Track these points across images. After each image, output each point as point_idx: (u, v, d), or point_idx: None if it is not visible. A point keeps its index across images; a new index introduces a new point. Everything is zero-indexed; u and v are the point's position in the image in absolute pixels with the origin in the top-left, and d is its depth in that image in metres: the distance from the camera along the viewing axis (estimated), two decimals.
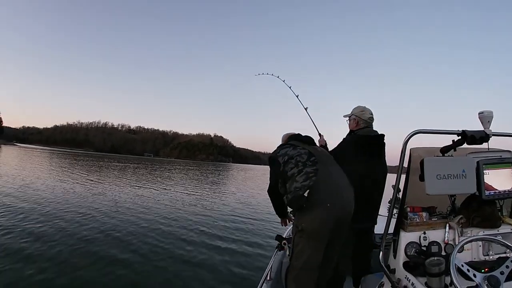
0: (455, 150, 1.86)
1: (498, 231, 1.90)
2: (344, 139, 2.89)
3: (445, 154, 1.86)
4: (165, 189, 16.91)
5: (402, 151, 1.80)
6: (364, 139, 2.75)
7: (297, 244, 2.28)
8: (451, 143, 1.84)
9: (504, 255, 1.81)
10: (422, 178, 1.76)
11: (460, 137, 1.80)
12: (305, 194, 2.16)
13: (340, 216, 2.19)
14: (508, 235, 1.91)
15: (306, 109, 3.76)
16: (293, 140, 2.59)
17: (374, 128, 2.88)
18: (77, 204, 9.81)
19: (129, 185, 17.09)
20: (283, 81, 4.25)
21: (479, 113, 1.82)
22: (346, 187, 2.33)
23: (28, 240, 5.80)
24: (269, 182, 2.48)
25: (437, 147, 1.90)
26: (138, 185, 17.34)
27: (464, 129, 1.79)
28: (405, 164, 1.86)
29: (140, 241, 6.50)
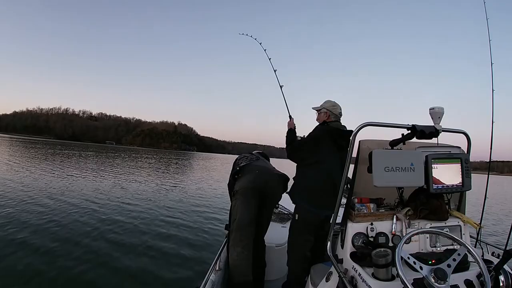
0: (404, 144, 1.89)
1: (445, 223, 1.94)
2: (317, 127, 2.96)
3: (394, 148, 1.88)
4: (121, 179, 16.31)
5: (351, 142, 1.81)
6: (336, 132, 2.85)
7: (234, 206, 2.81)
8: (400, 137, 1.86)
9: (451, 247, 1.84)
10: (370, 170, 1.77)
11: (409, 131, 1.82)
12: (241, 165, 3.16)
13: (264, 184, 2.93)
14: (455, 228, 1.96)
15: (281, 87, 3.71)
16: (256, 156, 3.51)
17: None
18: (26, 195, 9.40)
19: (82, 176, 16.22)
20: (265, 50, 4.09)
21: (430, 109, 1.86)
22: (275, 171, 3.21)
23: None
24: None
25: (386, 140, 1.92)
26: (93, 176, 16.61)
27: (414, 124, 1.81)
28: (354, 155, 1.88)
29: (87, 231, 6.36)
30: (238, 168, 3.08)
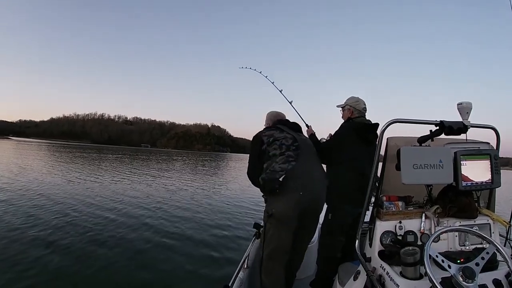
0: (432, 140, 1.86)
1: (474, 222, 1.91)
2: (342, 125, 2.99)
3: (423, 144, 1.87)
4: (157, 180, 16.81)
5: (379, 140, 1.81)
6: (362, 126, 2.86)
7: (268, 230, 2.36)
8: (428, 133, 1.85)
9: (480, 246, 1.82)
10: (398, 167, 1.77)
11: (437, 128, 1.80)
12: (280, 179, 2.25)
13: (307, 207, 2.33)
14: (484, 226, 1.93)
15: (291, 103, 3.74)
16: (280, 124, 2.66)
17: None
18: (69, 197, 9.71)
19: (123, 177, 17.02)
20: (266, 76, 4.24)
21: (457, 104, 1.83)
22: (320, 179, 2.47)
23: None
24: (248, 164, 2.53)
25: (414, 137, 1.91)
26: (132, 177, 17.29)
27: (442, 120, 1.80)
28: (382, 153, 1.88)
29: (110, 230, 6.56)
30: (277, 186, 2.25)
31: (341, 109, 3.12)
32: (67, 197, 9.53)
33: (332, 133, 3.00)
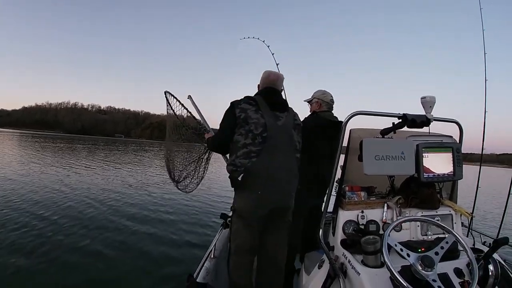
0: (395, 133, 1.90)
1: (436, 212, 1.96)
2: (306, 118, 2.92)
3: (385, 136, 1.90)
4: (121, 173, 15.79)
5: (342, 131, 1.83)
6: (326, 123, 2.83)
7: (233, 224, 2.26)
8: (391, 126, 1.88)
9: (442, 235, 1.84)
10: (360, 158, 1.79)
11: (400, 120, 1.84)
12: (239, 178, 2.09)
13: (274, 208, 2.15)
14: (446, 216, 1.98)
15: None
16: (264, 95, 2.30)
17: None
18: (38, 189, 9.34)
19: (90, 168, 16.32)
20: (268, 46, 4.20)
21: (421, 98, 1.87)
22: (286, 174, 2.21)
23: None
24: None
25: (377, 129, 1.94)
26: (97, 168, 16.60)
27: (405, 113, 1.83)
28: (345, 144, 1.90)
29: (84, 224, 6.29)
30: (240, 179, 2.10)
31: (308, 103, 3.08)
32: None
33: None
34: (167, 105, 3.12)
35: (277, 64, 3.90)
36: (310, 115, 3.00)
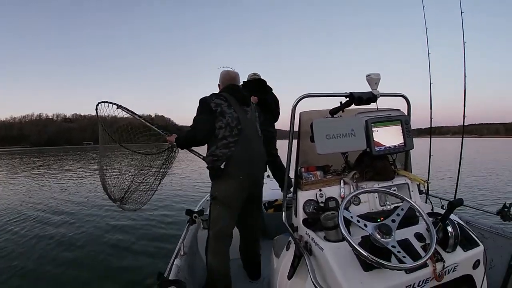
0: (343, 112, 1.96)
1: (392, 183, 2.04)
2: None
3: (334, 116, 1.96)
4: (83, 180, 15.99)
5: (291, 115, 1.87)
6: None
7: (213, 212, 2.50)
8: (339, 105, 1.94)
9: (400, 204, 1.94)
10: (312, 139, 1.85)
11: (347, 99, 1.90)
12: (222, 166, 2.38)
13: (252, 189, 2.55)
14: (402, 186, 2.07)
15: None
16: (229, 92, 2.56)
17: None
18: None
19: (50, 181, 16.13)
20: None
21: (366, 76, 1.93)
22: (259, 160, 2.60)
23: None
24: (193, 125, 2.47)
25: (326, 110, 1.99)
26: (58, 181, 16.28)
27: (351, 91, 1.89)
28: (296, 129, 1.95)
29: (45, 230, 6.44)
30: (222, 166, 2.39)
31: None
32: None
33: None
34: (98, 118, 3.16)
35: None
36: None
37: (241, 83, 3.16)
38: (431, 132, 2.98)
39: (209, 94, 2.51)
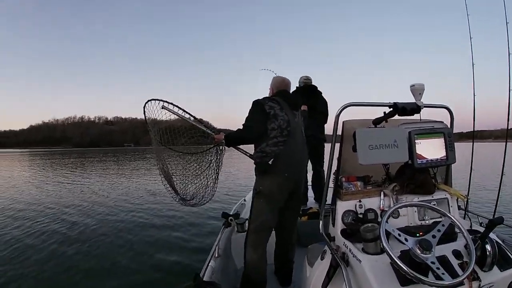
0: (386, 122, 1.94)
1: (432, 197, 1.99)
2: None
3: (378, 126, 1.94)
4: (130, 181, 16.34)
5: (334, 123, 1.88)
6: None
7: (255, 206, 2.63)
8: (383, 115, 1.92)
9: (439, 219, 1.86)
10: (354, 149, 1.84)
11: (391, 109, 1.88)
12: (270, 162, 2.52)
13: (292, 188, 2.64)
14: (442, 200, 2.01)
15: None
16: (282, 97, 2.74)
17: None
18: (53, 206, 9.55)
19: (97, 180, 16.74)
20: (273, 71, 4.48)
21: (410, 86, 1.90)
22: (303, 162, 2.79)
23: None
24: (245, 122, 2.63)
25: (369, 119, 1.98)
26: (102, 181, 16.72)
27: (395, 101, 1.87)
28: (339, 137, 1.95)
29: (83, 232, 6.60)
30: (270, 162, 2.51)
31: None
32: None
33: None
34: (144, 116, 3.21)
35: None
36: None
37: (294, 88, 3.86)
38: (474, 143, 2.84)
39: (261, 97, 2.69)
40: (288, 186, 2.60)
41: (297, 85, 4.49)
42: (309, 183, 4.55)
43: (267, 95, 2.86)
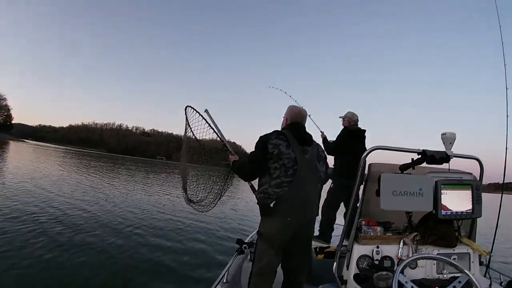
0: (413, 169, 1.90)
1: (454, 250, 1.94)
2: (341, 132, 4.28)
3: (404, 172, 1.90)
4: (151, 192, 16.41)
5: (360, 165, 1.86)
6: (354, 131, 4.22)
7: (258, 247, 2.45)
8: (410, 161, 1.89)
9: (458, 274, 1.79)
10: (378, 193, 1.81)
11: (420, 156, 1.85)
12: (271, 205, 2.30)
13: (296, 232, 2.33)
14: (464, 255, 1.95)
15: (309, 116, 3.98)
16: (292, 131, 2.53)
17: None
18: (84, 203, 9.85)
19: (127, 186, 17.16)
20: (290, 96, 5.16)
21: (441, 134, 1.88)
22: (312, 202, 2.45)
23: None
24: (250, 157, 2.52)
25: (396, 164, 1.95)
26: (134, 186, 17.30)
27: (424, 149, 1.84)
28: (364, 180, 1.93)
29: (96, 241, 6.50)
30: (271, 205, 2.33)
31: (342, 119, 4.41)
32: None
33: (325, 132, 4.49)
34: (186, 123, 3.32)
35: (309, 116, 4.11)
36: (343, 129, 4.29)
37: (341, 121, 4.41)
38: (502, 201, 2.69)
39: (271, 131, 2.50)
40: (290, 230, 2.34)
41: (342, 123, 4.38)
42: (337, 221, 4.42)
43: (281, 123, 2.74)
